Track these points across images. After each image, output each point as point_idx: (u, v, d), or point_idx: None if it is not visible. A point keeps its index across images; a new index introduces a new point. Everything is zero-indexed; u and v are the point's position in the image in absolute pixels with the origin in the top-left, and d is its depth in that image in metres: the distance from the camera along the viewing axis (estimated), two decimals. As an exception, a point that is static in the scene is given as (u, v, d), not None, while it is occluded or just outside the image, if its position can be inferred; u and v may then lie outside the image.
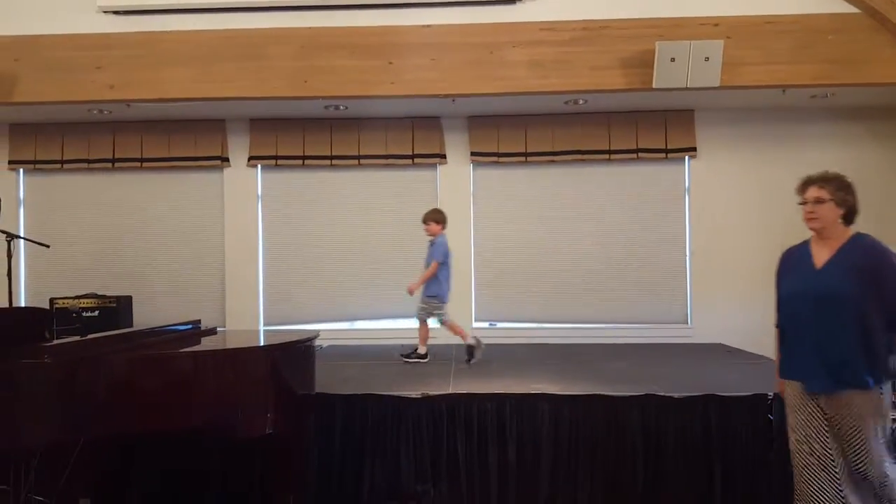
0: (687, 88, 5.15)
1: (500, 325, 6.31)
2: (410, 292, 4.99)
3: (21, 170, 6.44)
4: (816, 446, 2.73)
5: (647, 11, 5.32)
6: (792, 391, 2.85)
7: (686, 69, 5.06)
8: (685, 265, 6.24)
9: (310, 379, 3.45)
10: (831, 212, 2.73)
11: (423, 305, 5.01)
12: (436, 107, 5.92)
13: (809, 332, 2.74)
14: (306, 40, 5.41)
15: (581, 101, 5.73)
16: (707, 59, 5.02)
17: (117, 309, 5.80)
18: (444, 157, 6.30)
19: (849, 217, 2.77)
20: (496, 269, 6.32)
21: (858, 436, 2.66)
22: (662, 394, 3.60)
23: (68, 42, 5.47)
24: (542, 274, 6.29)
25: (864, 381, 2.64)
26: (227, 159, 6.37)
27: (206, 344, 3.30)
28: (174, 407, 2.68)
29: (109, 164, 6.33)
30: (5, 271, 4.42)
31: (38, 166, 6.39)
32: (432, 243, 5.04)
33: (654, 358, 5.15)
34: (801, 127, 6.14)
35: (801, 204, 2.79)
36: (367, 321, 6.34)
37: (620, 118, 6.14)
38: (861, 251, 2.70)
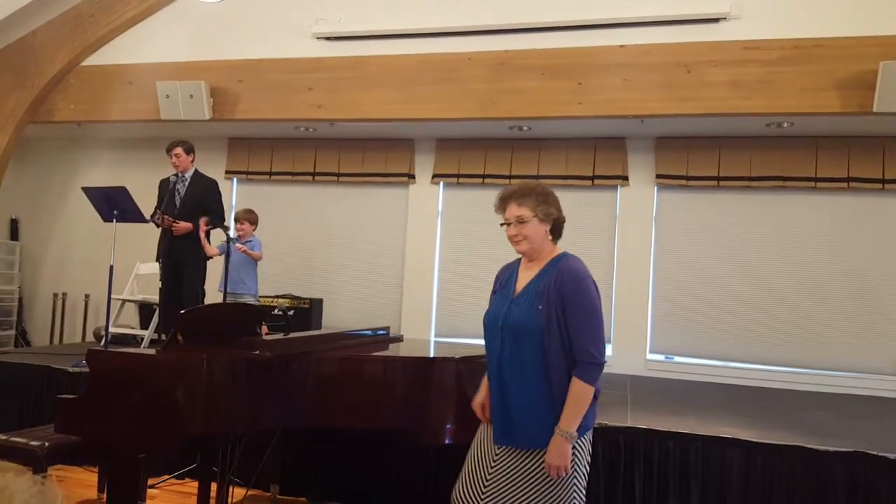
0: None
1: (677, 359, 5.97)
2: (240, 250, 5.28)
3: (235, 179, 7.24)
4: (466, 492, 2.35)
5: (869, 29, 4.81)
6: (483, 429, 2.45)
7: (915, 91, 4.52)
8: (903, 309, 5.50)
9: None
10: (536, 230, 2.33)
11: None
12: (621, 127, 5.78)
13: (496, 370, 2.35)
14: (498, 63, 5.54)
15: (786, 124, 5.30)
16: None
17: (310, 310, 6.28)
18: (626, 178, 6.13)
19: (556, 231, 2.39)
20: (678, 297, 5.98)
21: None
22: (875, 453, 3.20)
23: (285, 65, 6.07)
24: (730, 308, 5.83)
25: (539, 440, 2.22)
26: (413, 176, 6.70)
27: (398, 350, 3.46)
28: (369, 407, 2.84)
29: (310, 177, 6.92)
30: (223, 269, 4.96)
31: (249, 176, 7.15)
32: (248, 241, 5.36)
33: (862, 411, 4.61)
34: None
35: (502, 225, 2.39)
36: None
37: (829, 143, 5.57)
38: (554, 276, 2.30)
